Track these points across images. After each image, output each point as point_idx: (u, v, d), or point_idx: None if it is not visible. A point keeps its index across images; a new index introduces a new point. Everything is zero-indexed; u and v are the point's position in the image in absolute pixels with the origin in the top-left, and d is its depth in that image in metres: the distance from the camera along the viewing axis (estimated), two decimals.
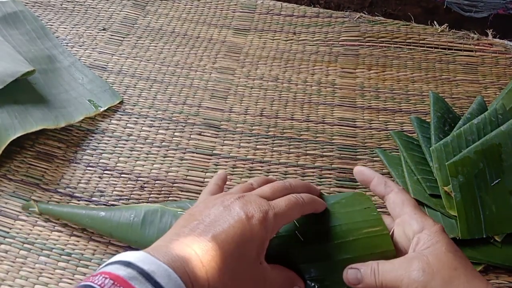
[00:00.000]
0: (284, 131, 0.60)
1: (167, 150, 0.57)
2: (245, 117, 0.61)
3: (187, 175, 0.54)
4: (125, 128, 0.59)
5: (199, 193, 0.52)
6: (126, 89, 0.64)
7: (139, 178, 0.54)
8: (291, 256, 0.40)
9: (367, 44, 0.71)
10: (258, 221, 0.35)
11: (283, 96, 0.64)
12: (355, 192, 0.46)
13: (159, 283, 0.29)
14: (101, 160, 0.55)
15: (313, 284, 0.39)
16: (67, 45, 0.69)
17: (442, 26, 0.73)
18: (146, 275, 0.29)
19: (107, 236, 0.47)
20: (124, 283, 0.29)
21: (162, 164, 0.55)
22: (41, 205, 0.49)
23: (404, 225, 0.38)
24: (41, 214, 0.49)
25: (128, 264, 0.30)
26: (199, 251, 0.32)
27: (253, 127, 0.60)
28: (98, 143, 0.57)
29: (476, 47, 0.71)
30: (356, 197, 0.44)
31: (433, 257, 0.34)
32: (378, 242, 0.40)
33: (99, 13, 0.75)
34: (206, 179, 0.54)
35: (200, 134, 0.59)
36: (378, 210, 0.42)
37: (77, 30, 0.71)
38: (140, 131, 0.59)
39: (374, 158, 0.57)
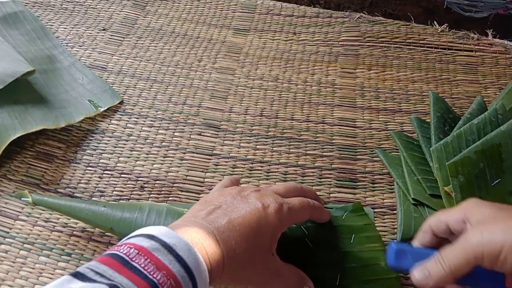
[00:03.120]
0: (284, 131, 0.60)
1: (167, 150, 0.57)
2: (245, 117, 0.61)
3: (187, 175, 0.54)
4: (125, 128, 0.59)
5: (199, 193, 0.53)
6: (126, 89, 0.64)
7: (139, 178, 0.54)
8: (300, 260, 0.41)
9: (367, 44, 0.71)
10: (274, 211, 0.37)
11: (283, 96, 0.64)
12: (354, 205, 0.48)
13: (180, 255, 0.31)
14: (101, 160, 0.55)
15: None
16: (67, 45, 0.69)
17: (442, 26, 0.73)
18: (168, 248, 0.31)
19: (107, 230, 0.46)
20: (148, 253, 0.30)
21: (162, 164, 0.55)
22: (36, 196, 0.47)
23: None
24: (34, 204, 0.47)
25: (151, 237, 0.31)
26: (216, 231, 0.34)
27: (253, 127, 0.60)
28: (98, 143, 0.57)
29: (476, 47, 0.71)
30: (356, 210, 0.46)
31: (483, 217, 0.34)
32: (379, 255, 0.43)
33: (99, 13, 0.75)
34: (206, 179, 0.54)
35: (200, 134, 0.59)
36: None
37: (77, 30, 0.71)
38: (140, 131, 0.59)
39: (374, 158, 0.57)
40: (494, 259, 0.31)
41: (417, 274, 0.35)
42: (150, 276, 0.29)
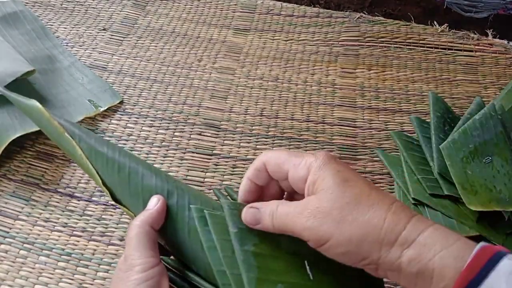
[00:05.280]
0: (284, 131, 0.60)
1: (167, 150, 0.57)
2: (245, 117, 0.61)
3: (187, 175, 0.54)
4: (125, 128, 0.59)
5: None
6: (126, 89, 0.64)
7: None
8: None
9: (367, 44, 0.71)
10: None
11: (283, 96, 0.64)
12: None
13: None
14: None
15: None
16: (67, 45, 0.69)
17: (442, 26, 0.73)
18: None
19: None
20: None
21: (162, 164, 0.55)
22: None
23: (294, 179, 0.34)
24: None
25: None
26: None
27: (253, 127, 0.60)
28: None
29: (476, 47, 0.71)
30: None
31: (322, 196, 0.31)
32: None
33: (99, 13, 0.75)
34: (206, 179, 0.54)
35: (200, 134, 0.59)
36: None
37: (77, 30, 0.71)
38: (140, 131, 0.59)
39: (374, 158, 0.57)
40: (318, 244, 0.31)
41: (248, 213, 0.34)
42: None
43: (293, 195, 0.37)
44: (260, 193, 0.37)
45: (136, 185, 0.37)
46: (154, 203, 0.36)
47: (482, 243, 0.29)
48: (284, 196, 0.38)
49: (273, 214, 0.33)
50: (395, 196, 0.53)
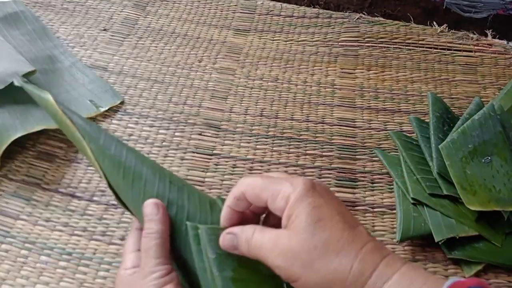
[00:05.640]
0: (284, 131, 0.60)
1: (168, 150, 0.57)
2: (245, 117, 0.62)
3: (187, 175, 0.55)
4: (126, 128, 0.59)
5: None
6: (127, 90, 0.64)
7: None
8: None
9: (366, 44, 0.71)
10: None
11: (283, 97, 0.64)
12: None
13: None
14: None
15: None
16: (68, 46, 0.69)
17: (442, 27, 0.74)
18: None
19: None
20: None
21: (162, 164, 0.55)
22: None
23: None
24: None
25: None
26: None
27: (253, 127, 0.60)
28: None
29: (476, 47, 0.71)
30: None
31: (293, 236, 0.31)
32: None
33: (100, 13, 0.75)
34: (206, 179, 0.54)
35: (200, 134, 0.59)
36: None
37: (78, 31, 0.72)
38: (141, 131, 0.59)
39: (374, 158, 0.57)
40: (288, 281, 0.31)
41: (226, 239, 0.34)
42: None
43: None
44: (243, 217, 0.36)
45: (138, 191, 0.37)
46: (154, 211, 0.36)
47: (451, 280, 0.29)
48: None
49: (249, 242, 0.33)
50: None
